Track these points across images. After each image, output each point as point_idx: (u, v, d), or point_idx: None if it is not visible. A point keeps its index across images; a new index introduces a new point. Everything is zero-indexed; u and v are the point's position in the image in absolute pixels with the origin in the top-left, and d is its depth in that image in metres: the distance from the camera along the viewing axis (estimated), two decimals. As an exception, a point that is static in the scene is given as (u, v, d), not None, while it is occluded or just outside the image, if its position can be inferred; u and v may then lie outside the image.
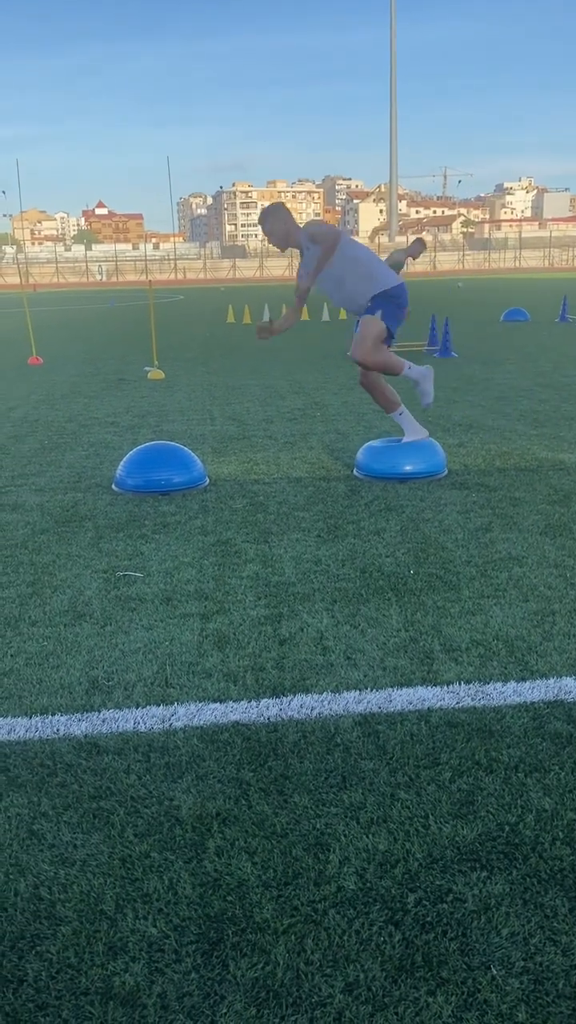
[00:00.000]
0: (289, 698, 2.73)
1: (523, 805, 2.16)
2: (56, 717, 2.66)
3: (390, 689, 2.78)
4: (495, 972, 1.66)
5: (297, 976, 1.67)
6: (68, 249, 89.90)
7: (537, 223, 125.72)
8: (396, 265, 7.97)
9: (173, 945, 1.76)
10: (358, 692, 2.76)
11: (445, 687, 2.78)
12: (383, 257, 6.37)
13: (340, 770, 2.34)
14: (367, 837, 2.06)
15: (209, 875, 1.95)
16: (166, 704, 2.71)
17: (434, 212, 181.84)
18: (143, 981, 1.67)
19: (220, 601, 3.55)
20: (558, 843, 2.02)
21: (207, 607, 3.49)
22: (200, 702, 2.72)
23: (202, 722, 2.60)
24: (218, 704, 2.70)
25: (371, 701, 2.70)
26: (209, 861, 1.99)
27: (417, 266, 73.08)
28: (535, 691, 2.73)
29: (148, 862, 2.00)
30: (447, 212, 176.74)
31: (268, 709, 2.67)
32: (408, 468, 5.47)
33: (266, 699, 2.73)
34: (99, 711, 2.69)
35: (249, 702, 2.71)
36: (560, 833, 2.05)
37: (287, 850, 2.02)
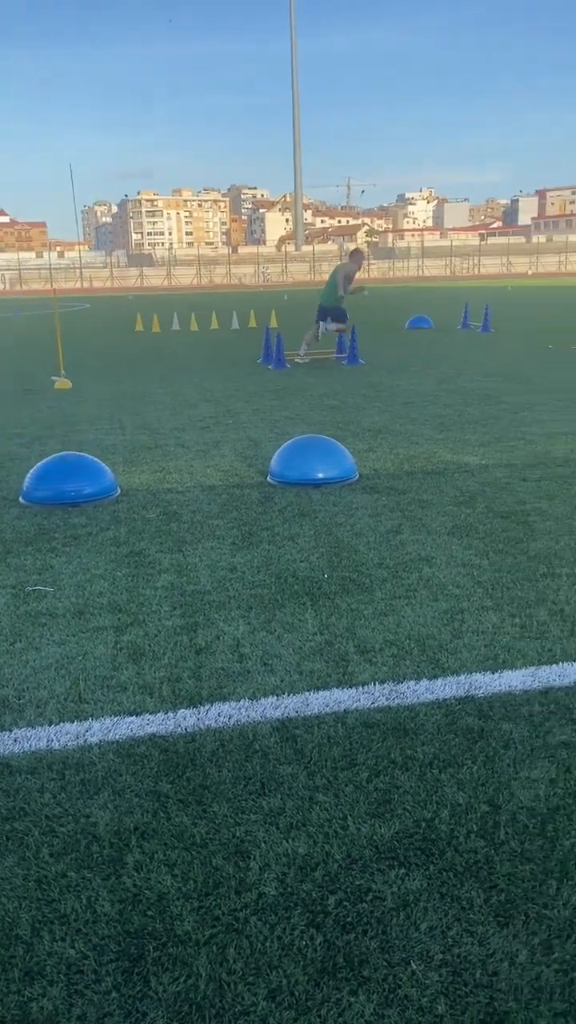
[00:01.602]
0: (207, 707, 2.72)
1: (438, 801, 2.21)
2: (-35, 739, 2.57)
3: (307, 693, 2.79)
4: (415, 967, 1.69)
5: (220, 987, 1.66)
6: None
7: (438, 232, 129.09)
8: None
9: (92, 965, 1.72)
10: (275, 697, 2.77)
11: (360, 688, 2.81)
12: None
13: (259, 776, 2.34)
14: (287, 842, 2.07)
15: (128, 891, 1.92)
16: (80, 720, 2.66)
17: (339, 222, 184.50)
18: (62, 1005, 1.63)
19: (134, 613, 3.50)
20: (472, 836, 2.07)
21: (121, 619, 3.44)
22: (115, 716, 2.68)
23: (118, 736, 2.56)
24: (134, 717, 2.67)
25: (288, 706, 2.71)
26: (128, 876, 1.96)
27: (325, 275, 74.00)
28: (447, 688, 2.80)
29: (65, 882, 1.96)
30: (351, 222, 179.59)
31: (185, 720, 2.64)
32: (320, 474, 5.52)
33: (183, 709, 2.71)
34: (10, 730, 2.61)
35: (166, 714, 2.68)
36: (474, 826, 2.11)
37: (207, 860, 2.01)
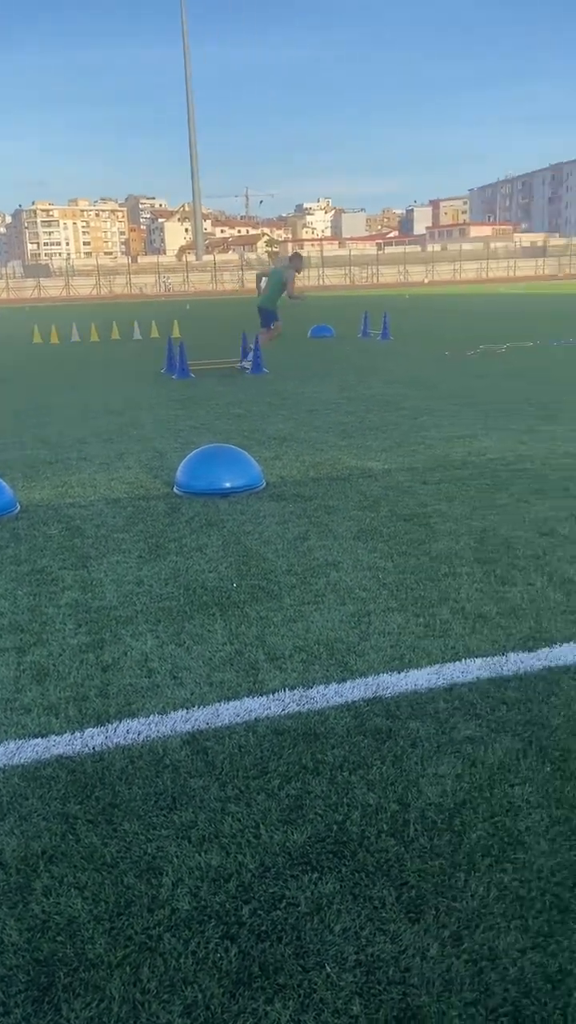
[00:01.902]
0: (115, 725, 2.67)
1: (349, 803, 2.23)
2: None
3: (217, 704, 2.78)
4: (329, 970, 1.70)
5: (134, 1007, 1.63)
6: None
7: (337, 242, 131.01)
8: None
9: (1, 997, 1.67)
10: (185, 711, 2.75)
11: (271, 696, 2.82)
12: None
13: (170, 791, 2.31)
14: (199, 855, 2.05)
15: (37, 917, 1.87)
16: (-17, 745, 2.57)
17: (239, 231, 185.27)
18: (-32, 1042, 1.57)
19: (37, 632, 3.42)
20: (383, 835, 2.10)
21: (23, 640, 3.35)
22: (20, 739, 2.60)
23: (23, 759, 2.49)
24: (39, 739, 2.60)
25: (199, 718, 2.69)
26: (36, 903, 1.91)
27: (227, 284, 74.10)
28: (355, 690, 2.83)
29: (-31, 914, 1.89)
30: (251, 231, 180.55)
31: (93, 739, 2.59)
32: (227, 483, 5.52)
33: (90, 728, 2.65)
34: None
35: (72, 734, 2.63)
36: (384, 825, 2.14)
37: (118, 879, 1.98)
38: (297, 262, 13.75)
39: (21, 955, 1.77)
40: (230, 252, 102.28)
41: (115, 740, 2.58)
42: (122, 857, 2.05)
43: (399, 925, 1.82)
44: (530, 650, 3.09)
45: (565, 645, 3.12)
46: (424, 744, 2.50)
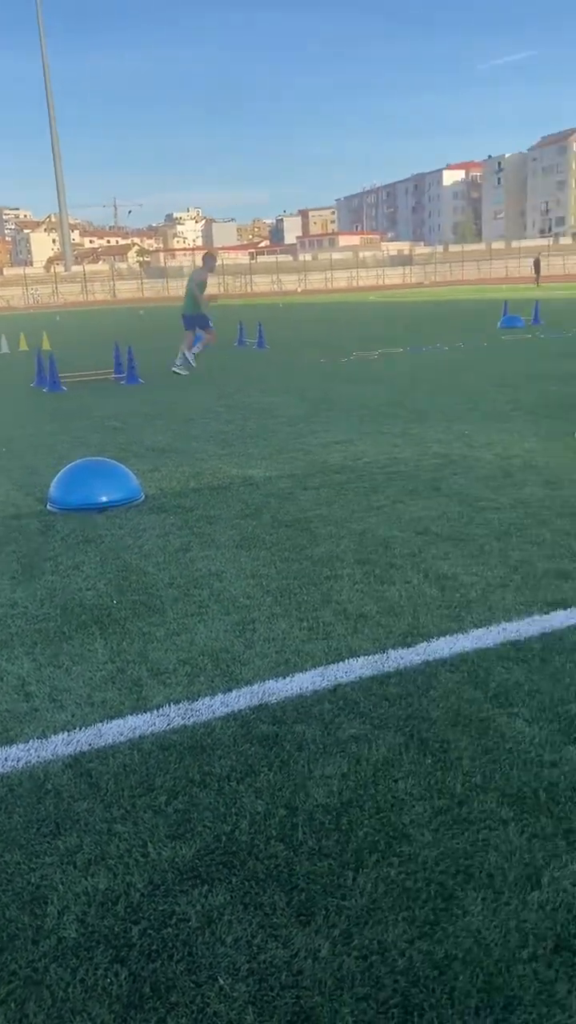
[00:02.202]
0: (-8, 753, 2.57)
1: (237, 812, 2.23)
2: None
3: (99, 724, 2.72)
4: (222, 982, 1.69)
5: (21, 1046, 1.57)
6: None
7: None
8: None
9: None
10: (66, 733, 2.67)
11: (155, 711, 2.78)
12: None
13: (53, 817, 2.24)
14: (86, 879, 2.00)
15: None
16: None
17: (108, 242, 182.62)
18: None
19: None
20: (272, 841, 2.11)
21: None
22: None
23: None
24: None
25: (81, 740, 2.63)
26: None
27: (97, 295, 72.87)
28: (241, 699, 2.83)
29: None
30: (121, 241, 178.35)
31: (-31, 769, 2.49)
32: (104, 497, 5.41)
33: (-34, 759, 2.54)
34: None
35: (-53, 766, 2.51)
36: (273, 831, 2.14)
37: (1, 912, 1.90)
38: (209, 262, 13.64)
39: None
40: (100, 263, 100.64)
41: (-7, 769, 2.48)
42: (4, 889, 1.98)
43: (290, 929, 1.82)
44: (408, 646, 3.18)
45: (441, 639, 3.22)
46: (310, 746, 2.53)
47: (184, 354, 13.55)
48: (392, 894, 1.91)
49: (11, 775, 2.45)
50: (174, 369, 13.37)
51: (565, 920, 1.82)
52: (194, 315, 13.52)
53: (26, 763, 2.51)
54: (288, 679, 2.96)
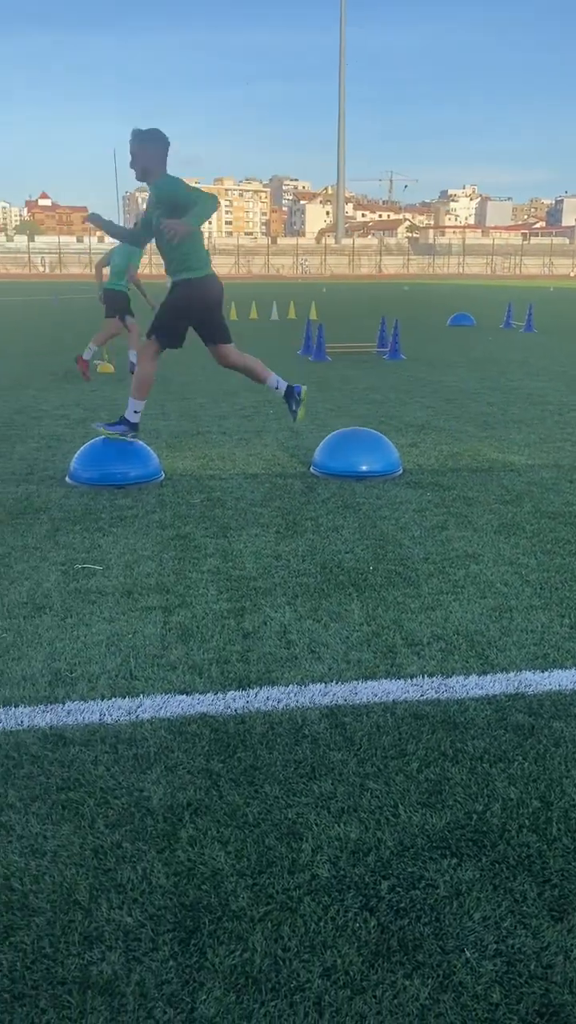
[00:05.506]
0: (255, 690, 2.74)
1: (489, 794, 2.21)
2: (20, 709, 2.62)
3: (355, 682, 2.80)
4: (469, 955, 1.70)
5: (275, 962, 1.68)
6: (10, 239, 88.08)
7: (480, 230, 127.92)
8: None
9: (149, 934, 1.75)
10: (323, 685, 2.78)
11: (409, 680, 2.82)
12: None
13: (309, 761, 2.35)
14: (339, 826, 2.08)
15: (183, 864, 1.95)
16: (132, 696, 2.69)
17: (380, 216, 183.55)
18: (121, 970, 1.66)
19: (182, 595, 3.53)
20: (524, 830, 2.07)
21: (169, 600, 3.47)
22: (166, 694, 2.71)
23: (169, 714, 2.59)
24: (184, 696, 2.69)
25: (337, 693, 2.72)
26: (182, 851, 1.99)
27: (364, 268, 73.68)
28: (496, 684, 2.79)
29: (120, 852, 1.99)
30: (393, 216, 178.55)
31: (235, 701, 2.67)
32: (364, 467, 5.52)
33: (232, 691, 2.73)
34: (63, 703, 2.65)
35: (215, 694, 2.71)
36: (526, 821, 2.11)
37: (260, 839, 2.03)
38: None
39: (169, 897, 1.85)
40: (370, 236, 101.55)
41: (256, 705, 2.65)
42: (263, 818, 2.11)
43: (541, 921, 1.79)
44: None
45: None
46: (568, 744, 2.44)
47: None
48: None
49: (272, 714, 2.59)
50: None
51: None
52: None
53: (285, 705, 2.64)
54: (547, 673, 2.87)
